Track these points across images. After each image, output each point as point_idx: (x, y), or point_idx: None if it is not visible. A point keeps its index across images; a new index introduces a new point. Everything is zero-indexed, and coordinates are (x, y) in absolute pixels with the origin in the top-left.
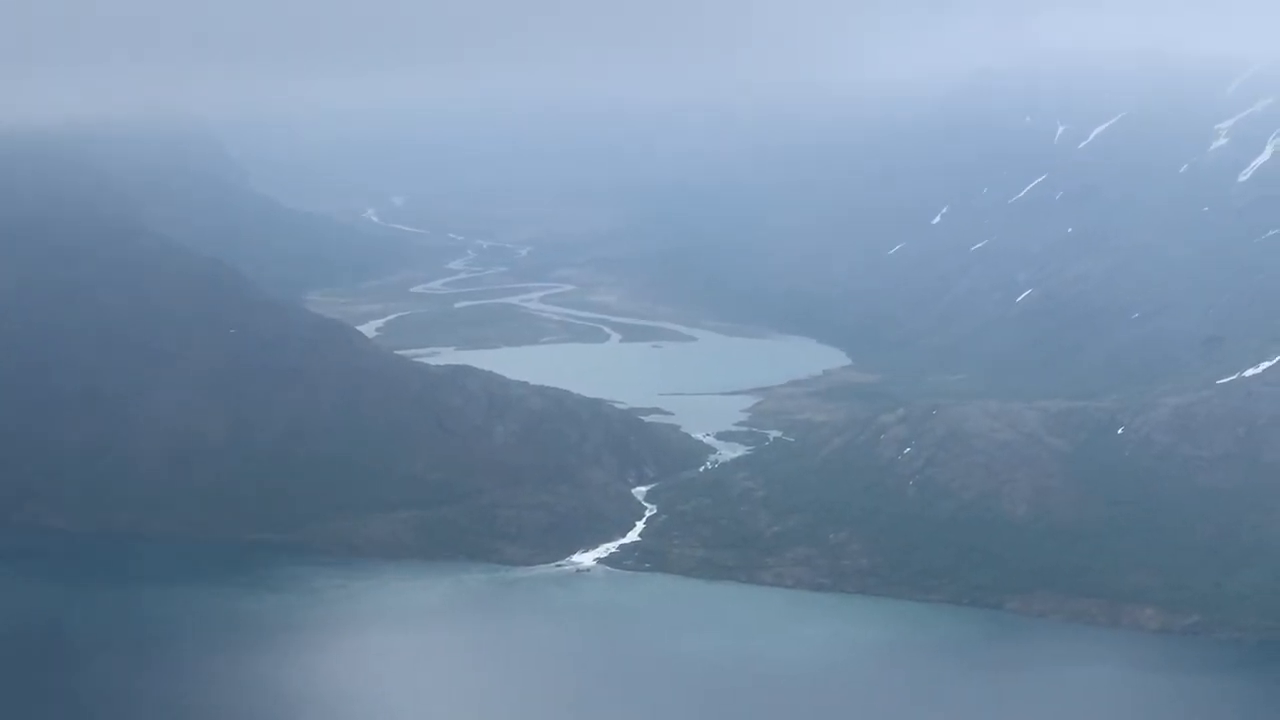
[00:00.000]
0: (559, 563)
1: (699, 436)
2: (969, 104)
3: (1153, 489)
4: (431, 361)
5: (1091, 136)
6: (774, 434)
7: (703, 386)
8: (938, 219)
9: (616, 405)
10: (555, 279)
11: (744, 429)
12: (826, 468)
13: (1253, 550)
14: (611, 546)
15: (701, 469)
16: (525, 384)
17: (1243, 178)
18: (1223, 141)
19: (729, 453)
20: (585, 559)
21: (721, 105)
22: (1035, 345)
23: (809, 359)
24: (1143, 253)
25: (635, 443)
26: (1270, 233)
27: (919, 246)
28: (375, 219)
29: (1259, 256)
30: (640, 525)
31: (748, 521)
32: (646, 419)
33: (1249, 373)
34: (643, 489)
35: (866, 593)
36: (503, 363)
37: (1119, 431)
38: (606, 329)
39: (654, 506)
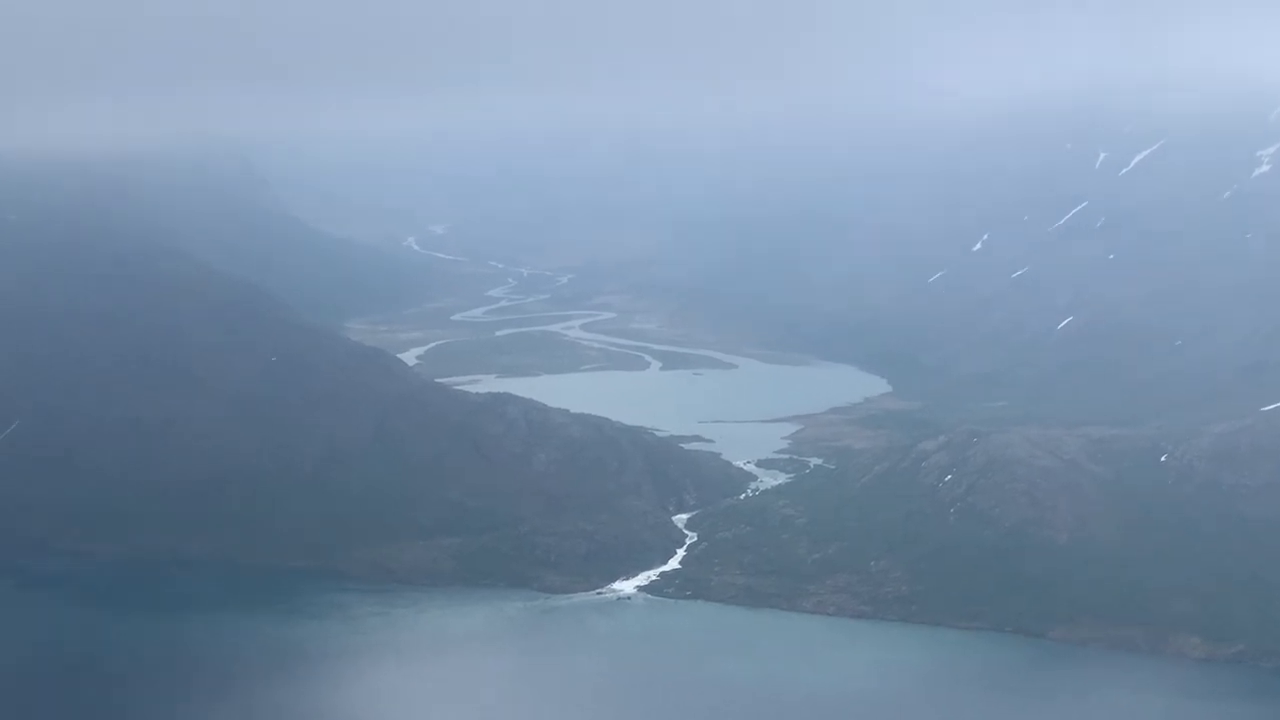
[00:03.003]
0: (599, 590)
1: (739, 464)
2: (1010, 131)
3: (1195, 517)
4: (472, 389)
5: (1133, 163)
6: (815, 461)
7: (743, 414)
8: (979, 246)
9: (657, 433)
10: (595, 306)
11: (785, 456)
12: (867, 495)
13: None
14: (652, 574)
15: (742, 496)
16: (565, 411)
17: None
18: (1265, 168)
19: (770, 480)
20: (626, 587)
21: (762, 130)
22: (1076, 372)
23: (849, 386)
24: (1184, 279)
25: (675, 470)
26: None
27: (960, 273)
28: (416, 246)
29: None
30: (681, 553)
31: (788, 549)
32: (687, 446)
33: None
34: (683, 516)
35: (908, 620)
36: (543, 390)
37: (1162, 459)
38: (647, 356)
39: (694, 534)
